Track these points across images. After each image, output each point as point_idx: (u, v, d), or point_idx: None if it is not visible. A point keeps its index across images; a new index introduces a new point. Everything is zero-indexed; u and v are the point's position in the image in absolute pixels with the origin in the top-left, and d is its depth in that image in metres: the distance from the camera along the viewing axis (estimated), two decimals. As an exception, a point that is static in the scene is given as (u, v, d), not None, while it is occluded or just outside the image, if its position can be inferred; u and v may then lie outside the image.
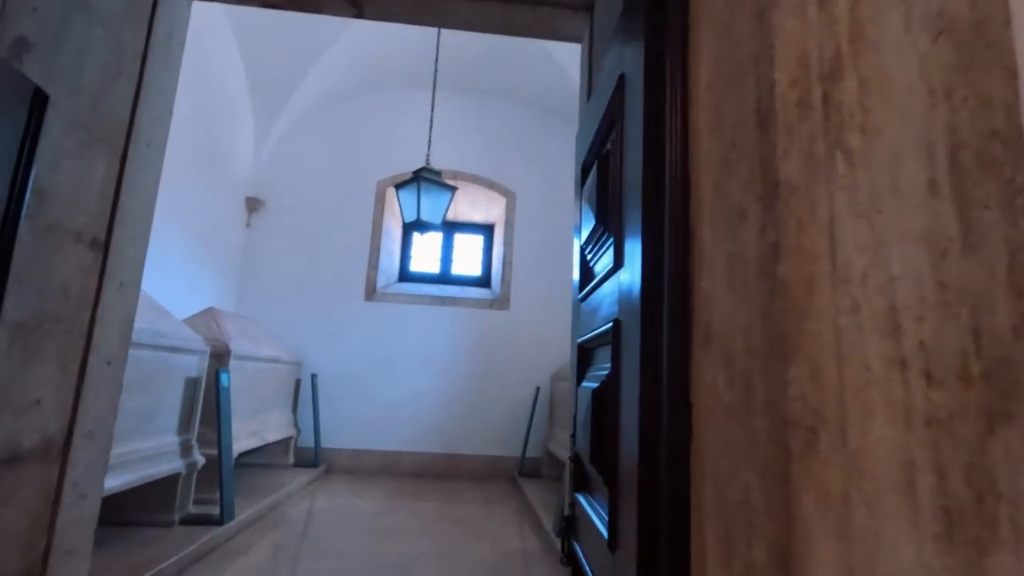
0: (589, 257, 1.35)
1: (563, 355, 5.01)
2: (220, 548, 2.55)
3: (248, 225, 4.98)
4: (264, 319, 4.77)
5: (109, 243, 1.18)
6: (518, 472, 4.61)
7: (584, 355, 1.40)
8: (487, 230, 5.68)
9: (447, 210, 3.53)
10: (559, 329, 5.09)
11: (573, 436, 1.39)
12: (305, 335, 4.85)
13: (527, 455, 4.71)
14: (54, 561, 1.09)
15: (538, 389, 4.75)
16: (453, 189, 3.53)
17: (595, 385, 1.12)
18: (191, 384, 2.77)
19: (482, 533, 3.05)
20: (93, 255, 1.15)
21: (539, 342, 5.06)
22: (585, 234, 1.33)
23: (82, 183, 1.10)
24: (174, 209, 3.79)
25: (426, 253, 5.57)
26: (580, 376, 1.38)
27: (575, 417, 1.42)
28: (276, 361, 4.07)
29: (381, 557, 2.56)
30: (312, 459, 4.49)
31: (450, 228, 5.60)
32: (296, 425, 4.59)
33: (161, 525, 2.56)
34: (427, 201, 3.34)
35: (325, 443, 4.68)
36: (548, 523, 3.06)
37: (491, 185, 5.31)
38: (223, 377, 2.84)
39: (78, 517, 1.15)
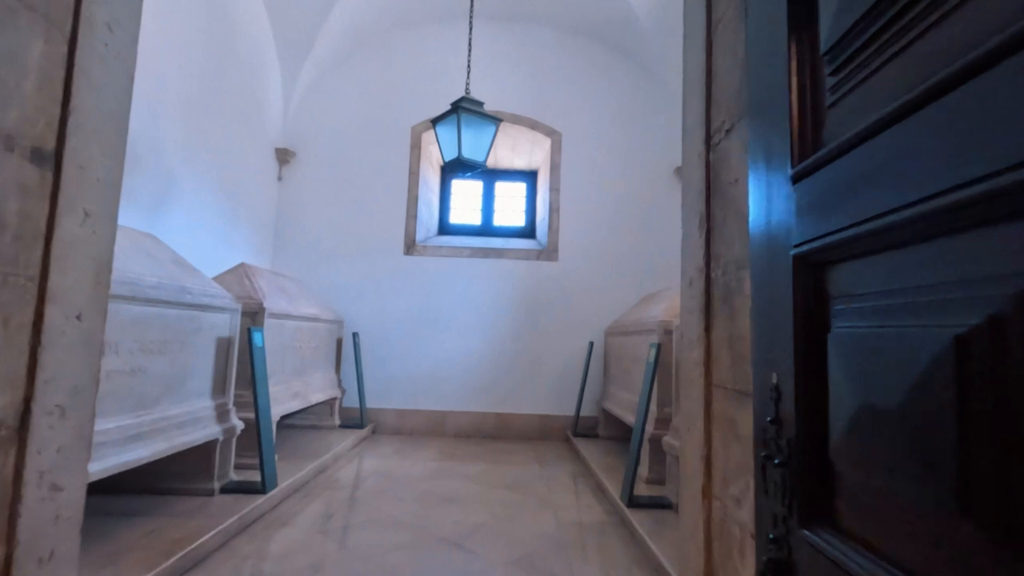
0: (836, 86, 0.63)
1: (617, 307, 4.65)
2: (263, 519, 2.38)
3: (280, 178, 4.73)
4: (302, 276, 4.57)
5: (61, 157, 0.87)
6: (572, 432, 4.35)
7: (809, 272, 0.68)
8: (530, 177, 5.26)
9: (491, 147, 3.15)
10: (612, 280, 4.71)
11: (776, 422, 0.70)
12: (345, 292, 4.65)
13: (581, 414, 4.44)
14: (24, 572, 0.84)
15: (591, 344, 4.43)
16: (497, 121, 3.13)
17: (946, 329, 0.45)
18: (223, 344, 2.56)
19: (542, 500, 2.80)
20: (38, 172, 0.85)
21: (590, 294, 4.71)
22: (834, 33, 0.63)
23: (5, 63, 0.78)
24: (201, 163, 3.54)
25: (466, 203, 5.23)
26: (804, 315, 0.68)
27: (798, 391, 0.67)
28: (315, 320, 3.87)
29: (435, 528, 2.34)
30: (358, 420, 4.35)
31: (490, 176, 5.22)
32: (340, 385, 4.44)
33: (202, 494, 2.40)
34: (468, 136, 2.96)
35: (370, 403, 4.52)
36: (614, 489, 2.79)
37: (534, 125, 4.86)
38: (256, 336, 2.62)
39: (54, 514, 0.90)
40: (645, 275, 4.72)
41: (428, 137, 4.85)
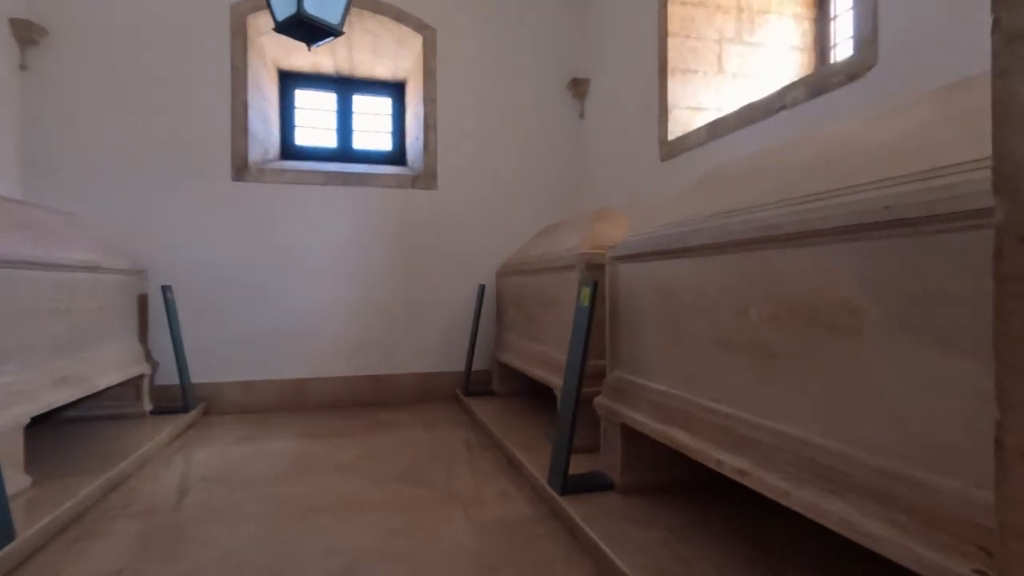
0: None
1: (511, 243, 4.01)
2: (-15, 603, 1.41)
3: (23, 66, 3.22)
4: (82, 210, 3.22)
5: None
6: (463, 390, 3.72)
7: None
8: (396, 91, 4.28)
9: (348, 6, 2.20)
10: (504, 212, 4.04)
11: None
12: (149, 231, 3.40)
13: (473, 368, 3.81)
14: None
15: (482, 288, 3.77)
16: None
17: None
18: None
19: (445, 493, 2.14)
20: None
21: (479, 229, 4.00)
22: None
23: None
24: None
25: (316, 121, 4.12)
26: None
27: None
28: (95, 269, 2.68)
29: (297, 571, 1.57)
30: (180, 402, 3.27)
31: (346, 87, 4.15)
32: (149, 358, 3.29)
33: None
34: (315, -15, 1.99)
35: (202, 377, 3.45)
36: (530, 464, 2.22)
37: (400, 16, 3.86)
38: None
39: None
40: (544, 205, 4.12)
41: (257, 23, 3.63)
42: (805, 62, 3.05)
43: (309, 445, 2.80)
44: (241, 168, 3.57)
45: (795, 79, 2.19)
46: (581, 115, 4.20)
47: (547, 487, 1.99)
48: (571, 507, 1.81)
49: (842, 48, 2.95)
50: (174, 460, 2.57)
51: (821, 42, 3.09)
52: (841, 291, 1.10)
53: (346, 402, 3.72)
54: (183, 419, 3.06)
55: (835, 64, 1.97)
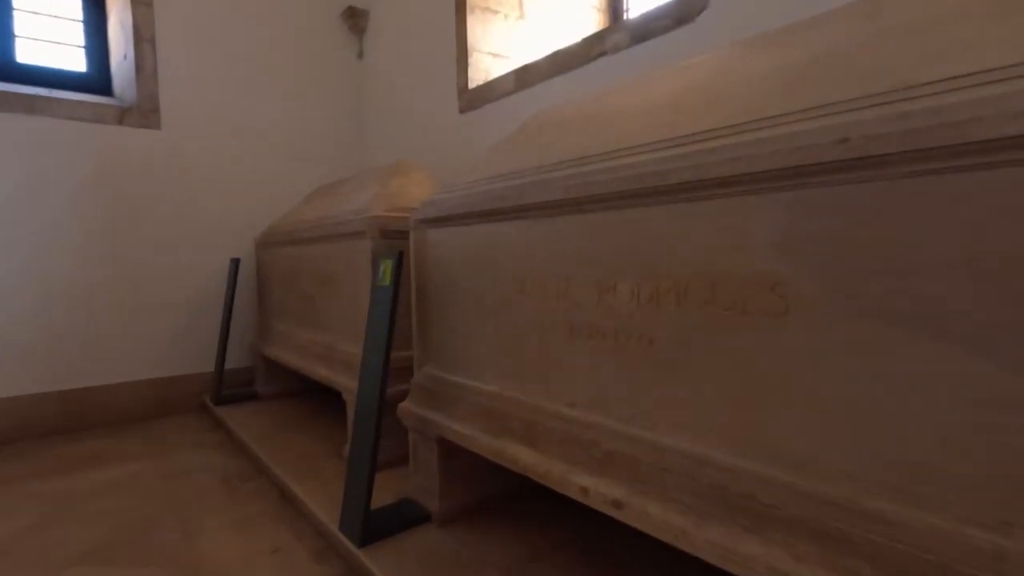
0: None
1: (275, 206, 3.19)
2: None
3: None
4: None
5: None
6: (214, 398, 2.85)
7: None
8: (91, -21, 3.01)
9: None
10: (263, 164, 3.18)
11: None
12: None
13: (227, 367, 2.95)
14: None
15: (236, 263, 2.90)
16: None
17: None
18: None
19: (182, 569, 1.43)
20: None
21: (230, 186, 3.08)
22: None
23: None
24: None
25: (-63, 2, 2.64)
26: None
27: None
28: None
29: None
30: None
31: (-4, -43, 2.75)
32: None
33: None
34: None
35: None
36: (313, 502, 1.65)
37: None
38: None
39: None
40: (316, 161, 3.36)
41: None
42: (603, 23, 2.92)
43: (-71, 523, 1.72)
44: None
45: (615, 24, 1.96)
46: (360, 55, 3.53)
47: (340, 535, 1.45)
48: (376, 562, 1.32)
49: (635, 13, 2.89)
50: None
51: (614, 5, 3.00)
52: (758, 260, 0.82)
53: (21, 435, 2.53)
54: None
55: (661, 7, 1.77)
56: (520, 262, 1.26)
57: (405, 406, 1.61)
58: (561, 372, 1.17)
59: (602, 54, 1.96)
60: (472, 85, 2.62)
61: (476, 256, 1.39)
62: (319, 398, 2.88)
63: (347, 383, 1.89)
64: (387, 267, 1.45)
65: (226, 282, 2.94)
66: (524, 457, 1.20)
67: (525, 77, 2.32)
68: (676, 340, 0.94)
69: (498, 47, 2.68)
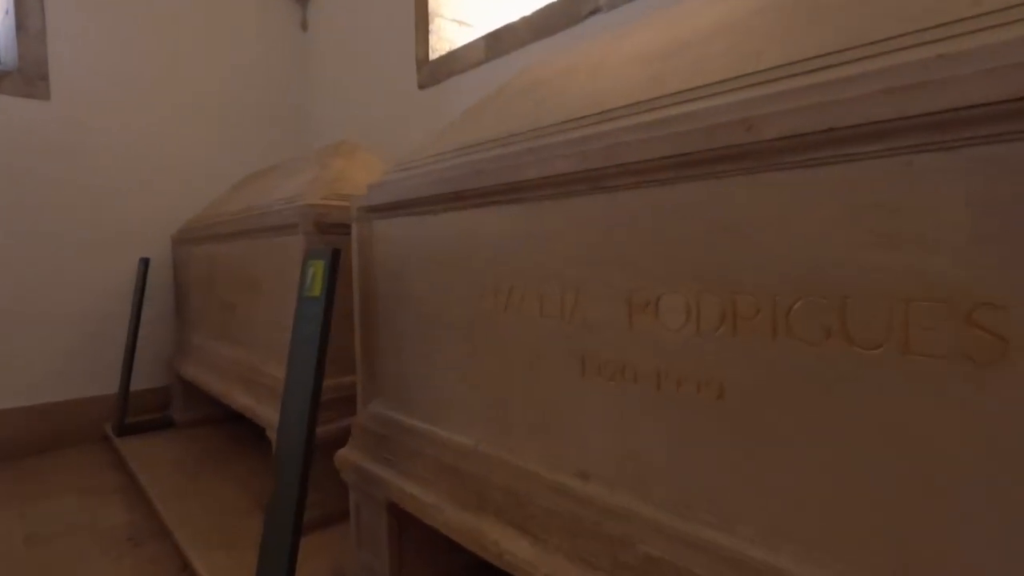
0: None
1: (198, 199, 2.70)
2: None
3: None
4: None
5: None
6: (116, 427, 2.34)
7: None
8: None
9: None
10: (186, 147, 2.69)
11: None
12: None
13: (133, 389, 2.44)
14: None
15: (146, 263, 2.41)
16: None
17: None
18: None
19: None
20: None
21: (140, 173, 2.58)
22: None
23: None
24: None
25: None
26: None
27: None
28: None
29: None
30: None
31: None
32: None
33: None
34: None
35: None
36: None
37: None
38: None
39: None
40: (250, 146, 2.89)
41: None
42: None
43: None
44: None
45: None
46: (304, 25, 3.08)
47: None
48: None
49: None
50: None
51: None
52: (938, 265, 0.47)
53: None
54: None
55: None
56: (503, 264, 0.89)
57: (344, 455, 1.21)
58: (566, 426, 0.80)
59: (595, 11, 1.61)
60: (434, 56, 2.23)
61: (440, 255, 1.01)
62: (248, 427, 2.41)
63: (271, 416, 1.47)
64: (317, 271, 1.04)
65: (135, 286, 2.44)
66: (513, 549, 0.82)
67: (497, 45, 1.94)
68: (767, 392, 0.58)
69: (464, 13, 2.30)
